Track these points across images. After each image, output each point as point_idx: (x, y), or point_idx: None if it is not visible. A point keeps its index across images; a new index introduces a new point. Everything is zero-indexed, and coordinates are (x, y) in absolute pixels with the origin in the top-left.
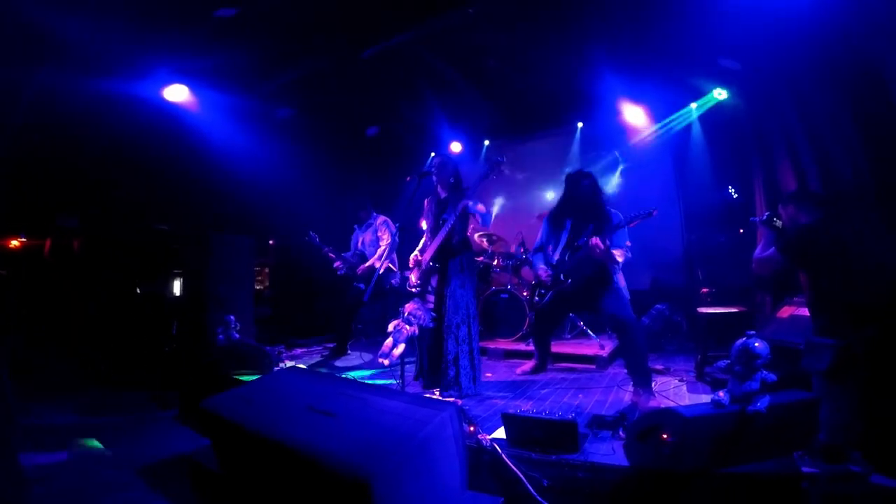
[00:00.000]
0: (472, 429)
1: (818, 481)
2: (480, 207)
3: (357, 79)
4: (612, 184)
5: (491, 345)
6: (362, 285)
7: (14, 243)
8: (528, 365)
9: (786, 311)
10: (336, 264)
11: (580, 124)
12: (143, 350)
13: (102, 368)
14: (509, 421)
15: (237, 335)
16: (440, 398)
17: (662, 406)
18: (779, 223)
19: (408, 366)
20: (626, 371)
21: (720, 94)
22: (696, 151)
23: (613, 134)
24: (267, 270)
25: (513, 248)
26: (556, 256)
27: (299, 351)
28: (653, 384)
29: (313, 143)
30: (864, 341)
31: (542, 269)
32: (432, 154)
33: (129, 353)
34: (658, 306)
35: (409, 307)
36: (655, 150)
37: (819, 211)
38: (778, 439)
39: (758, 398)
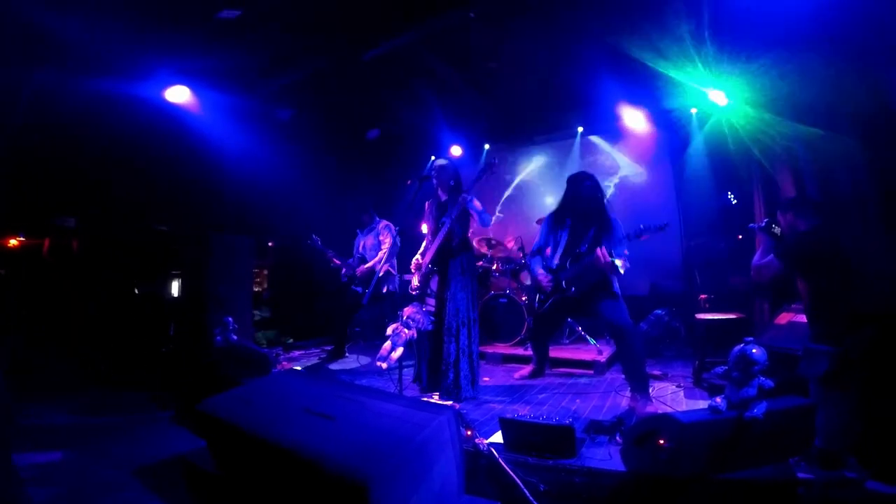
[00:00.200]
0: (469, 433)
1: (814, 487)
2: (477, 204)
3: (357, 80)
4: (612, 189)
5: (489, 349)
6: (360, 289)
7: (13, 243)
8: (526, 369)
9: (784, 318)
10: (337, 265)
11: (580, 129)
12: (142, 350)
13: (102, 368)
14: (507, 425)
15: (235, 337)
16: (438, 402)
17: (660, 412)
18: (777, 230)
19: (406, 369)
20: (623, 376)
21: (720, 98)
22: (695, 157)
23: (613, 139)
24: (265, 272)
25: (511, 245)
26: (556, 261)
27: (297, 353)
28: (650, 390)
29: (313, 145)
30: (861, 345)
31: (542, 275)
32: (433, 157)
33: (129, 354)
34: (657, 312)
35: (407, 311)
36: (655, 155)
37: (817, 218)
38: (775, 445)
39: (755, 404)
